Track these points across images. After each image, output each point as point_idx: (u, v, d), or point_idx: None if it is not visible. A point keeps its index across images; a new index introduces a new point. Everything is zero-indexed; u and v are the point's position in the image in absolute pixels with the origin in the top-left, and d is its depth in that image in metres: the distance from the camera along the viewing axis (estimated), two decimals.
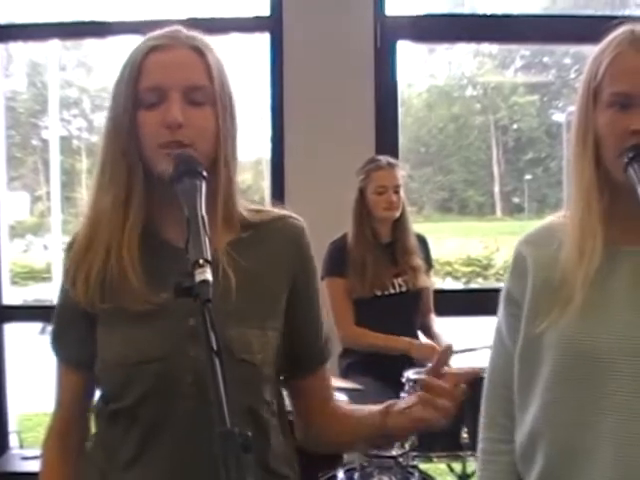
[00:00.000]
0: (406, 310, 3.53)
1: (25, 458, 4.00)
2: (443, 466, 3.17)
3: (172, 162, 1.26)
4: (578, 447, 1.39)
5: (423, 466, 2.88)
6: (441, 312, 3.71)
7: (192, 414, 1.28)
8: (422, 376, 1.39)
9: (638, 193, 1.30)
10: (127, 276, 1.31)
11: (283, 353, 1.40)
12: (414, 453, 2.68)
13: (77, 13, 5.50)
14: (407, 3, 5.41)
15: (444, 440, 2.75)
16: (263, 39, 4.25)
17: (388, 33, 4.18)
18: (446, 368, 1.33)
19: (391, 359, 3.29)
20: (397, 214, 3.53)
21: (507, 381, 1.51)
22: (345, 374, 3.39)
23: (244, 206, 1.40)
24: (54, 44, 6.79)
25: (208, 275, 1.08)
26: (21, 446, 4.34)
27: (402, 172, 3.60)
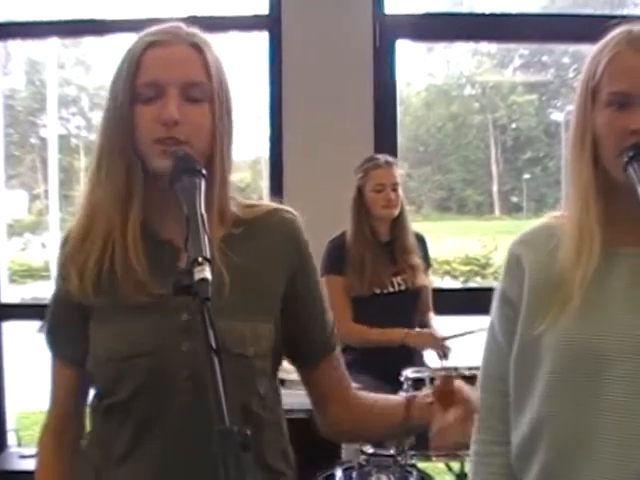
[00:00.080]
0: (405, 308, 3.54)
1: (23, 456, 4.00)
2: (441, 465, 3.18)
3: (170, 160, 1.26)
4: (578, 447, 1.39)
5: (421, 465, 2.89)
6: (440, 311, 3.72)
7: (187, 409, 1.28)
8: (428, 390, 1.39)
9: (638, 192, 1.30)
10: (131, 266, 1.30)
11: (286, 346, 1.40)
12: (412, 452, 2.68)
13: (76, 11, 5.49)
14: (406, 2, 5.41)
15: None
16: (262, 38, 4.26)
17: (387, 32, 4.19)
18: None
19: (390, 357, 3.29)
20: (396, 212, 3.54)
21: (500, 383, 1.50)
22: None
23: (237, 203, 1.40)
24: (53, 42, 6.78)
25: (207, 273, 1.08)
26: (19, 444, 4.34)
27: (400, 170, 3.61)
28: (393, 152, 4.00)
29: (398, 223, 3.57)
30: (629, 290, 1.40)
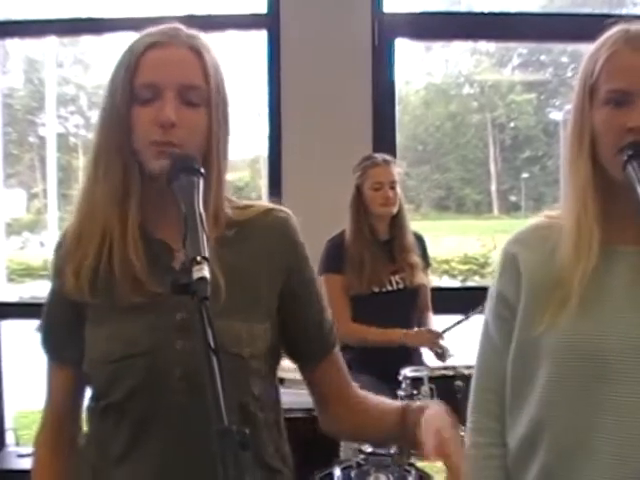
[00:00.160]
0: (403, 307, 3.54)
1: (21, 455, 4.00)
2: (440, 464, 3.17)
3: (166, 161, 1.26)
4: (578, 447, 1.39)
5: (420, 464, 2.88)
6: (438, 310, 3.71)
7: (182, 409, 1.28)
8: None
9: (637, 191, 1.30)
10: (130, 265, 1.30)
11: (286, 346, 1.41)
12: (411, 451, 2.68)
13: (74, 10, 5.49)
14: (405, 1, 5.41)
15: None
16: (260, 36, 4.26)
17: (386, 31, 4.19)
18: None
19: (388, 356, 3.30)
20: (394, 210, 3.54)
21: (496, 383, 1.49)
22: None
23: (231, 204, 1.40)
24: (51, 41, 6.77)
25: (206, 272, 1.08)
26: (17, 443, 4.34)
27: (398, 169, 3.62)
28: (392, 151, 4.00)
29: (397, 222, 3.58)
30: (628, 288, 1.40)
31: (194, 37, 1.34)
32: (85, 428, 1.43)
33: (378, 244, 3.55)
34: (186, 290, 1.07)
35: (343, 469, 2.61)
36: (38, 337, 1.44)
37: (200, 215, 1.16)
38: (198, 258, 1.09)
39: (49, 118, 8.83)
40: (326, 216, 3.48)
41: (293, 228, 1.43)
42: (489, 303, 1.53)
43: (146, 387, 1.30)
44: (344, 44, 4.12)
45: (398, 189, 3.56)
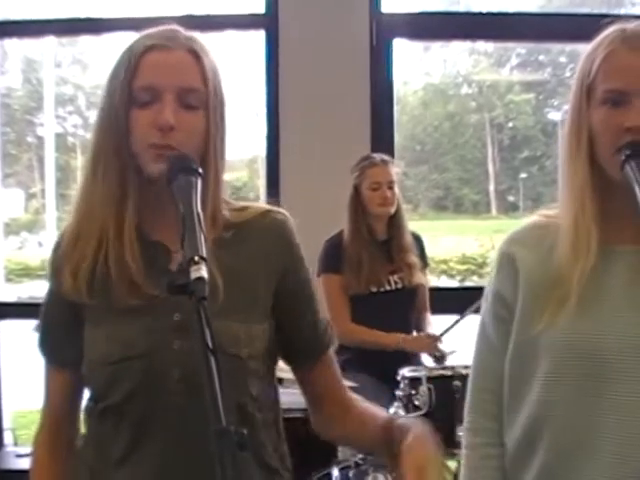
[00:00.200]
0: (402, 307, 3.54)
1: (19, 455, 4.00)
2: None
3: (164, 164, 1.26)
4: (578, 447, 1.39)
5: None
6: (437, 310, 3.72)
7: (181, 411, 1.28)
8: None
9: (635, 190, 1.30)
10: (126, 267, 1.30)
11: (280, 347, 1.41)
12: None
13: (73, 10, 5.48)
14: (403, 1, 5.41)
15: (439, 438, 2.75)
16: (258, 36, 4.26)
17: (384, 31, 4.19)
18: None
19: (386, 356, 3.30)
20: (392, 210, 3.54)
21: (493, 383, 1.49)
22: (341, 370, 3.38)
23: (228, 206, 1.40)
24: (49, 41, 6.76)
25: (204, 272, 1.08)
26: (15, 443, 4.34)
27: (396, 169, 3.62)
28: (390, 151, 4.00)
29: (395, 221, 3.58)
30: (627, 288, 1.39)
31: (192, 39, 1.34)
32: (83, 430, 1.43)
33: (376, 244, 3.55)
34: (184, 290, 1.07)
35: (341, 469, 2.61)
36: (36, 338, 1.44)
37: (198, 215, 1.16)
38: (196, 258, 1.09)
39: (47, 118, 8.82)
40: (324, 216, 3.48)
41: (290, 230, 1.42)
42: (485, 303, 1.53)
43: (144, 389, 1.29)
44: (342, 44, 4.12)
45: (396, 189, 3.56)
